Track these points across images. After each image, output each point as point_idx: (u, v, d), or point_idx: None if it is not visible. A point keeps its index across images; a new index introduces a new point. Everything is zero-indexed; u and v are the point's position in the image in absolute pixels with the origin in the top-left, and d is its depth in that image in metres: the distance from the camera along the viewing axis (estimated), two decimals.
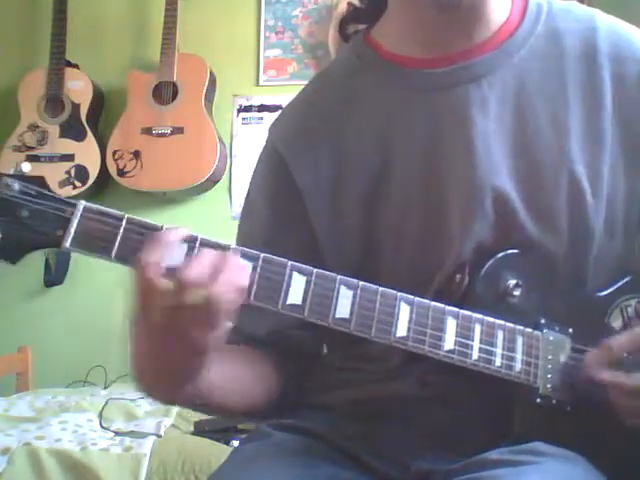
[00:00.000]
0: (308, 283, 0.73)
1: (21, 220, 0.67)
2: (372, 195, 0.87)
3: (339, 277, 0.74)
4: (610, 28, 0.87)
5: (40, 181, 0.69)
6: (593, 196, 0.83)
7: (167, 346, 0.71)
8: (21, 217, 0.67)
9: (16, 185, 0.67)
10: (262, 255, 0.72)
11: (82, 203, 0.69)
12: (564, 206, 0.82)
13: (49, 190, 0.69)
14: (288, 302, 0.72)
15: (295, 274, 0.72)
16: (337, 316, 0.73)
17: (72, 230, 0.68)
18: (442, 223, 0.84)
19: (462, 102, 0.84)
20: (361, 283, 0.74)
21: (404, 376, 0.85)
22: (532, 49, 0.85)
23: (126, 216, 0.70)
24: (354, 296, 0.74)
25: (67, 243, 0.68)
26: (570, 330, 0.81)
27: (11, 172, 0.69)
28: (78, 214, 0.68)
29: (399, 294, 0.75)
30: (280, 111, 0.99)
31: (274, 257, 0.72)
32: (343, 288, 0.74)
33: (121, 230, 0.69)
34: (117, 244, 0.69)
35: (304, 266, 0.73)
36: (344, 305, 0.73)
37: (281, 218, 0.92)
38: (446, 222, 0.84)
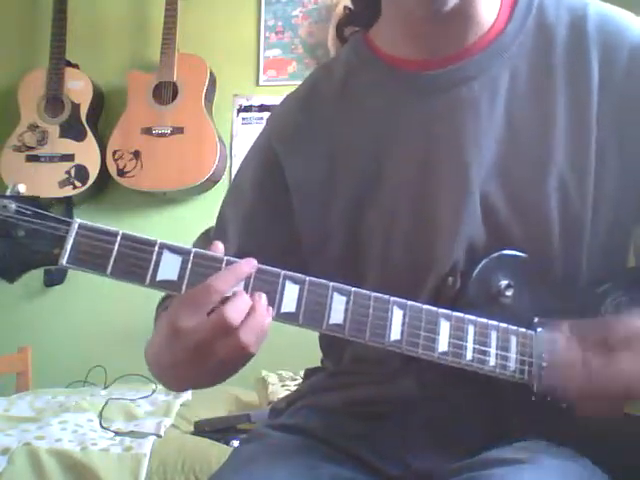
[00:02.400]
0: (301, 291, 0.74)
1: (18, 240, 0.69)
2: (361, 197, 0.88)
3: (332, 284, 0.75)
4: (601, 15, 0.86)
5: (35, 201, 0.70)
6: (580, 191, 0.83)
7: (195, 364, 0.73)
8: (18, 237, 0.69)
9: (12, 206, 0.69)
10: (257, 266, 0.73)
11: (77, 221, 0.70)
12: (554, 203, 0.83)
13: (44, 209, 0.70)
14: (282, 310, 0.73)
15: (288, 283, 0.74)
16: (331, 322, 0.74)
17: (68, 248, 0.69)
18: (431, 226, 0.84)
19: (454, 105, 0.85)
20: (353, 289, 0.75)
21: (402, 377, 0.85)
22: (521, 46, 0.86)
23: (121, 232, 0.71)
24: (347, 302, 0.75)
25: (64, 260, 0.69)
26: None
27: (7, 193, 0.70)
28: (73, 232, 0.69)
29: (392, 298, 0.76)
30: (280, 102, 1.00)
31: (267, 267, 0.74)
32: (336, 294, 0.75)
33: (116, 246, 0.70)
34: (112, 260, 0.70)
35: (297, 275, 0.74)
36: (338, 311, 0.74)
37: (265, 208, 0.93)
38: (435, 224, 0.84)
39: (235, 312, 0.69)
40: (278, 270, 0.74)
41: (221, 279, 0.70)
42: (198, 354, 0.71)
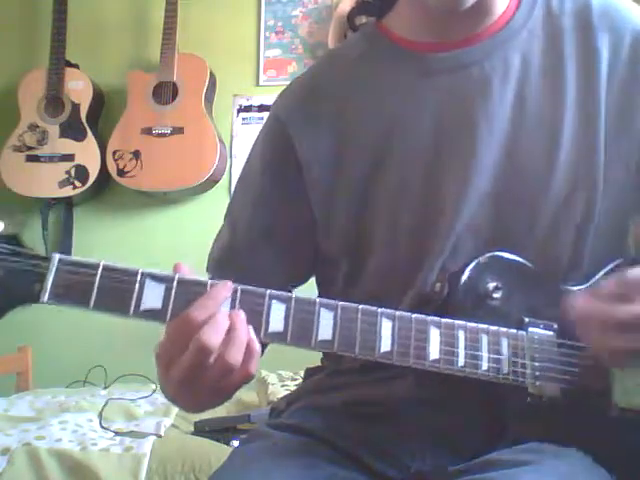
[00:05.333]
0: (288, 309, 0.73)
1: None
2: (370, 175, 0.88)
3: (318, 300, 0.74)
4: (603, 4, 0.89)
5: (13, 238, 0.69)
6: (589, 174, 0.84)
7: (192, 392, 0.73)
8: None
9: None
10: (240, 287, 0.72)
11: (57, 256, 0.68)
12: (562, 185, 0.84)
13: (22, 247, 0.69)
14: (270, 330, 0.73)
15: (274, 302, 0.73)
16: (320, 338, 0.73)
17: (49, 285, 0.67)
18: (436, 204, 0.85)
19: (464, 84, 0.86)
20: (340, 303, 0.75)
21: (402, 378, 0.85)
22: (531, 31, 0.88)
23: (102, 263, 0.69)
24: (335, 317, 0.74)
25: (45, 297, 0.68)
26: (555, 326, 0.81)
27: None
28: (54, 268, 0.68)
29: (379, 310, 0.76)
30: (287, 85, 1.00)
31: (252, 287, 0.73)
32: (323, 310, 0.74)
33: (97, 279, 0.68)
34: (94, 294, 0.68)
35: (283, 293, 0.73)
36: (325, 327, 0.74)
37: (277, 186, 0.93)
38: (440, 202, 0.85)
39: (212, 334, 0.68)
40: (263, 290, 0.73)
41: (199, 307, 0.69)
42: (189, 383, 0.71)
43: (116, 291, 0.69)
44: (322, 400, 0.93)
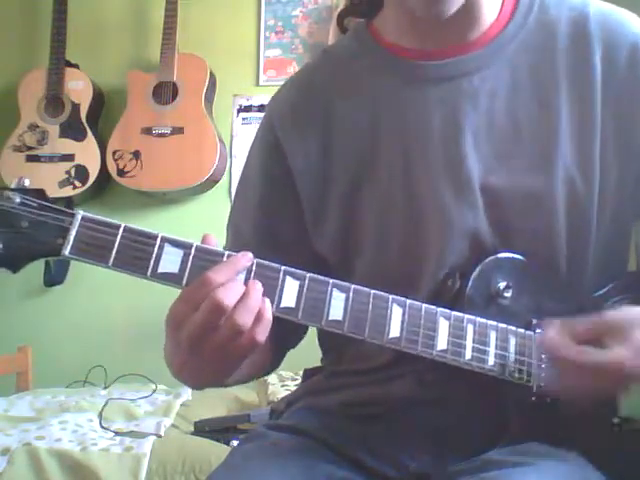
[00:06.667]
0: (301, 287, 0.74)
1: (22, 230, 0.69)
2: (357, 178, 0.88)
3: (332, 281, 0.75)
4: (602, 13, 0.87)
5: (40, 193, 0.71)
6: (586, 185, 0.83)
7: (200, 356, 0.72)
8: (22, 228, 0.69)
9: (17, 198, 0.69)
10: (256, 260, 0.73)
11: (80, 213, 0.71)
12: (560, 195, 0.83)
13: (49, 201, 0.71)
14: (282, 305, 0.73)
15: (288, 278, 0.74)
16: (330, 318, 0.74)
17: (71, 238, 0.69)
18: (424, 214, 0.84)
19: (452, 95, 0.85)
20: (353, 286, 0.75)
21: (401, 378, 0.85)
22: (523, 43, 0.86)
23: (123, 225, 0.71)
24: (347, 299, 0.75)
25: (66, 251, 0.69)
26: None
27: (13, 186, 0.71)
28: (77, 223, 0.70)
29: (391, 297, 0.76)
30: (280, 87, 1.00)
31: (267, 262, 0.74)
32: (336, 291, 0.75)
33: (118, 238, 0.70)
34: (114, 252, 0.70)
35: (297, 271, 0.74)
36: (337, 307, 0.74)
37: (275, 190, 0.93)
38: (428, 213, 0.84)
39: (227, 294, 0.69)
40: (278, 265, 0.74)
41: (217, 271, 0.71)
42: (198, 344, 0.71)
43: (135, 252, 0.71)
44: (320, 401, 0.93)
